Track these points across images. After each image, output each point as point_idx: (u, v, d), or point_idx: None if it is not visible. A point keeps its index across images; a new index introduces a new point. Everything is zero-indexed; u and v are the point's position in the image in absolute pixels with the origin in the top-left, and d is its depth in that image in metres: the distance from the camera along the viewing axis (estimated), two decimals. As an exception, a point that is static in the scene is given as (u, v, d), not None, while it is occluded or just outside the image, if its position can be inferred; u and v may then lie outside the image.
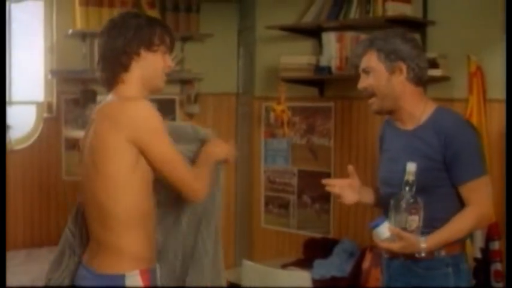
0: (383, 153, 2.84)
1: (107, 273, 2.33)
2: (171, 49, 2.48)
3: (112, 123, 2.29)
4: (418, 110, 2.68)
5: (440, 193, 2.61)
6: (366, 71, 2.70)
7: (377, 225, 2.54)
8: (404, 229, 2.51)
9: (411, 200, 2.51)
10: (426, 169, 2.58)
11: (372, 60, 2.68)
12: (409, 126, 2.70)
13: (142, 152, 2.28)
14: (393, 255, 2.68)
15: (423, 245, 2.53)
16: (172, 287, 2.37)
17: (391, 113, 2.74)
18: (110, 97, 2.42)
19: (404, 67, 2.66)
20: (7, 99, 4.55)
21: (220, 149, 2.57)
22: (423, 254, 2.56)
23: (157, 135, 2.30)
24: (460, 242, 2.67)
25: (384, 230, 2.54)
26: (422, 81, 2.71)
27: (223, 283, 2.60)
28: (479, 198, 2.59)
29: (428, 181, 2.59)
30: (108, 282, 2.32)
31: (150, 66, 2.41)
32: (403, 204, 2.52)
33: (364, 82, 2.72)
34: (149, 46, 2.39)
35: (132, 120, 2.28)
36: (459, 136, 2.61)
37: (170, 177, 2.34)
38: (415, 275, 2.64)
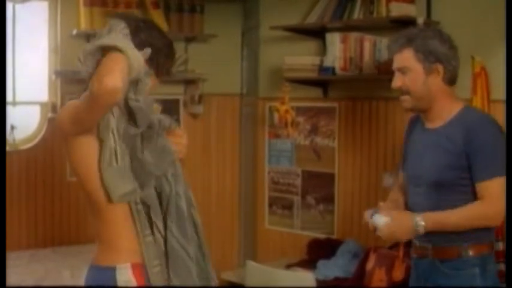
0: (409, 151, 2.87)
1: (100, 265, 2.36)
2: None
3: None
4: (446, 109, 2.71)
5: (460, 191, 2.64)
6: (402, 71, 2.72)
7: (373, 214, 2.65)
8: None
9: None
10: (448, 165, 2.63)
11: (409, 60, 2.69)
12: (435, 125, 2.73)
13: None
14: (422, 255, 2.72)
15: (418, 218, 2.57)
16: (169, 286, 2.36)
17: (422, 111, 2.77)
18: None
19: (441, 68, 2.68)
20: (11, 99, 4.56)
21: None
22: (420, 229, 2.57)
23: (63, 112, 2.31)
24: (488, 243, 2.69)
25: (380, 218, 2.62)
26: (455, 81, 2.74)
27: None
28: (490, 198, 2.58)
29: (449, 177, 2.63)
30: (100, 275, 2.35)
31: None
32: None
33: (399, 81, 2.73)
34: None
35: (57, 119, 2.35)
36: (481, 133, 2.62)
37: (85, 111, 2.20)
38: (442, 275, 2.67)
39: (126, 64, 2.13)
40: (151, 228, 2.32)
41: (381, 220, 2.63)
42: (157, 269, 2.33)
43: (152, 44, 2.35)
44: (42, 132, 4.74)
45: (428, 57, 2.67)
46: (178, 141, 2.43)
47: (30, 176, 4.66)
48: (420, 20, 3.90)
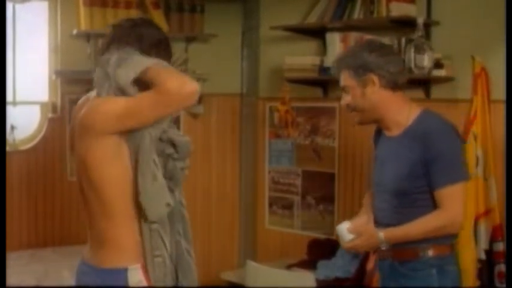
0: (375, 158, 2.90)
1: (109, 268, 2.30)
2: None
3: (83, 121, 2.28)
4: (402, 115, 2.73)
5: (423, 198, 2.66)
6: (344, 90, 2.81)
7: (339, 229, 2.77)
8: None
9: None
10: (409, 175, 2.66)
11: (345, 79, 2.78)
12: (395, 132, 2.76)
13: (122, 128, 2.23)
14: (382, 257, 2.76)
15: (380, 234, 2.67)
16: (170, 286, 2.35)
17: (375, 122, 2.81)
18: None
19: (375, 77, 2.70)
20: (11, 99, 4.56)
21: None
22: (383, 247, 2.70)
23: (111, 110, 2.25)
24: (449, 244, 2.72)
25: (345, 232, 2.76)
26: (399, 86, 2.75)
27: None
28: (450, 205, 2.62)
29: (410, 186, 2.66)
30: (110, 277, 2.29)
31: None
32: None
33: (344, 100, 2.83)
34: None
35: (94, 113, 2.26)
36: (438, 141, 2.63)
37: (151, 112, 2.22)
38: (402, 276, 2.72)
39: None
40: (165, 247, 2.31)
41: (347, 237, 2.76)
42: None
43: (146, 39, 2.37)
44: (42, 132, 4.74)
45: (358, 70, 2.72)
46: None
47: (30, 176, 4.66)
48: (420, 20, 3.90)
